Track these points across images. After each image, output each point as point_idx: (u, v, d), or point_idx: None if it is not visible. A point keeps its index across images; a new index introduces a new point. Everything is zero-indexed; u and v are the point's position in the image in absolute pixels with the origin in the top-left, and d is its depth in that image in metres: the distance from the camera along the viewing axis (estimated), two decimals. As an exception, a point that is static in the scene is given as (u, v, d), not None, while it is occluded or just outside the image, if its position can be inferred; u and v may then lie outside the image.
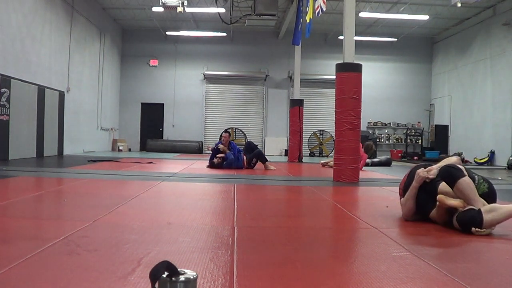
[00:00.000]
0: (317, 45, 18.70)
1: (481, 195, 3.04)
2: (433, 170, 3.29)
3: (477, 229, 2.82)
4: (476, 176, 3.17)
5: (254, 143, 9.91)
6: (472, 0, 11.66)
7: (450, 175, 3.07)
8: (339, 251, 2.61)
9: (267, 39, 19.20)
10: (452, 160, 3.40)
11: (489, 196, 3.14)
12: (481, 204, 2.95)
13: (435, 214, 3.19)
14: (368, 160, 10.90)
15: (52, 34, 12.58)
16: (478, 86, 16.18)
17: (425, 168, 3.36)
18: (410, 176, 3.43)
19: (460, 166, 3.17)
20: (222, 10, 13.06)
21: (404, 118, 19.69)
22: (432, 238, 2.87)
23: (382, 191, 5.56)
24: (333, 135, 9.11)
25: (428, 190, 3.25)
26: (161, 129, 19.47)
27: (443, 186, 3.15)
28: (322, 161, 10.91)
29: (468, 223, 2.87)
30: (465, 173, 3.07)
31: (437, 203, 3.08)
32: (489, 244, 2.70)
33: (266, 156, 9.32)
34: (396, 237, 2.82)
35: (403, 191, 3.48)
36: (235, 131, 19.05)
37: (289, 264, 2.15)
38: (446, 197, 3.02)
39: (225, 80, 19.41)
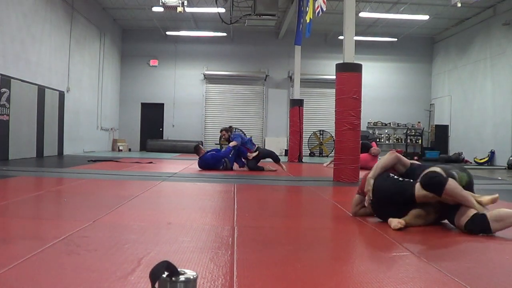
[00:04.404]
0: (317, 45, 18.69)
1: (464, 186, 3.01)
2: (369, 191, 3.24)
3: None
4: (453, 172, 3.09)
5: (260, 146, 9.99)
6: (472, 0, 11.66)
7: (434, 186, 2.95)
8: (339, 251, 2.61)
9: (267, 39, 19.20)
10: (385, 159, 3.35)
11: (470, 183, 3.14)
12: (472, 199, 2.94)
13: (423, 199, 3.06)
14: None
15: (52, 34, 12.58)
16: (478, 86, 16.17)
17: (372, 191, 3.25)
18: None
19: (436, 169, 3.07)
20: (222, 10, 13.06)
21: (404, 118, 19.69)
22: (432, 238, 2.86)
23: (382, 191, 5.55)
24: (333, 135, 9.08)
25: (405, 198, 3.11)
26: (161, 129, 19.47)
27: (418, 189, 3.03)
28: (325, 164, 10.67)
29: (478, 232, 2.86)
30: (444, 175, 3.00)
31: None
32: (490, 244, 2.70)
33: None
34: (396, 237, 2.82)
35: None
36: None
37: (289, 264, 2.15)
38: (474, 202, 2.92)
39: (225, 80, 19.41)
